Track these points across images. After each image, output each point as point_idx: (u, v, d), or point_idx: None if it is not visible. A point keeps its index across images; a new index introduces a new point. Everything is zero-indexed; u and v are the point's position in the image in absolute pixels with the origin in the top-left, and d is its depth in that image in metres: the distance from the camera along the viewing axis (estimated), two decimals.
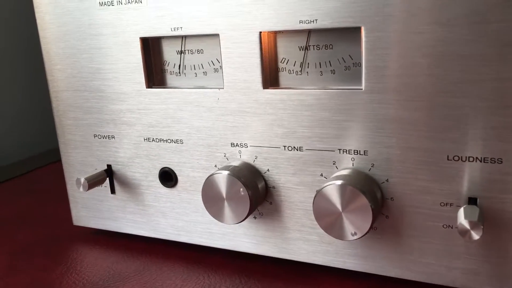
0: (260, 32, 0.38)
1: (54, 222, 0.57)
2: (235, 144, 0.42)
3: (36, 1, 0.47)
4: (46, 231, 0.54)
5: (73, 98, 0.48)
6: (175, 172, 0.45)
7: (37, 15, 0.47)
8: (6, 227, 0.57)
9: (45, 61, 0.48)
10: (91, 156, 0.49)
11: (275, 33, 0.39)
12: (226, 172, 0.39)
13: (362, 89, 0.36)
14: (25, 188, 0.70)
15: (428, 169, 0.35)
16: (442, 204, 0.36)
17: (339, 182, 0.36)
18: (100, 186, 0.49)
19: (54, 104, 0.49)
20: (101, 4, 0.44)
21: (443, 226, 0.36)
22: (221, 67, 0.42)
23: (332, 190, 0.36)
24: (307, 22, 0.36)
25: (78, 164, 0.50)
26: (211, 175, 0.40)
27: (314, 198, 0.36)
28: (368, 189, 0.36)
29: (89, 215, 0.52)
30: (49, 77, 0.49)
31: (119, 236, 0.52)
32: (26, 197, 0.66)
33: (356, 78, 0.37)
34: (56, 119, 0.50)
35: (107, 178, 0.49)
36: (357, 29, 0.36)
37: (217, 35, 0.40)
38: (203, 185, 0.40)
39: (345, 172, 0.38)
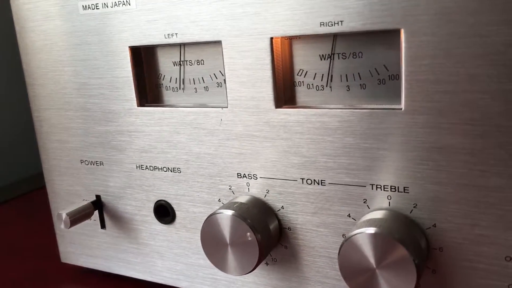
0: (271, 38, 0.31)
1: (43, 256, 0.50)
2: (242, 175, 0.34)
3: (15, 6, 0.40)
4: (33, 266, 0.48)
5: (56, 117, 0.41)
6: (172, 206, 0.38)
7: (15, 21, 0.41)
8: None
9: (25, 76, 0.42)
10: (78, 185, 0.42)
11: (290, 38, 0.32)
12: (229, 212, 0.32)
13: (401, 108, 0.28)
14: (15, 214, 0.64)
15: (490, 212, 0.27)
16: (508, 259, 0.27)
17: (372, 230, 0.28)
18: (88, 220, 0.42)
19: (37, 124, 0.43)
20: (84, 7, 0.37)
21: (508, 286, 0.28)
22: (224, 81, 0.34)
23: (363, 239, 0.28)
24: (330, 24, 0.29)
25: (64, 193, 0.43)
26: (211, 216, 0.32)
27: (340, 249, 0.28)
28: (410, 238, 0.28)
29: (78, 252, 0.45)
30: (30, 94, 0.42)
31: (111, 277, 0.44)
32: (14, 224, 0.60)
33: (393, 94, 0.29)
34: (39, 142, 0.43)
35: (96, 211, 0.42)
36: (396, 32, 0.28)
37: (219, 42, 0.33)
38: (202, 228, 0.33)
39: (379, 214, 0.29)
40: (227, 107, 0.33)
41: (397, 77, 0.29)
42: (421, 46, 0.26)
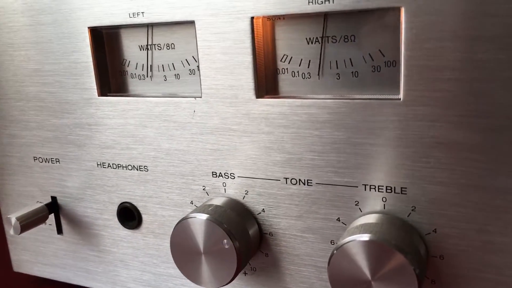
0: (252, 18, 0.27)
1: None
2: (217, 174, 0.30)
3: None
4: None
5: (6, 109, 0.36)
6: (138, 209, 0.34)
7: None
8: None
9: None
10: (32, 185, 0.38)
11: (273, 19, 0.28)
12: (203, 216, 0.28)
13: (400, 99, 0.25)
14: None
15: (499, 216, 0.24)
16: None
17: (366, 236, 0.24)
18: (43, 224, 0.38)
19: None
20: None
21: None
22: (198, 67, 0.30)
23: (356, 248, 0.24)
24: (320, 1, 0.25)
25: (15, 195, 0.39)
26: (182, 220, 0.28)
27: (330, 259, 0.25)
28: (409, 245, 0.24)
29: (32, 260, 0.40)
30: None
31: None
32: None
33: (389, 83, 0.26)
34: None
35: (51, 215, 0.37)
36: (394, 11, 0.25)
37: (192, 23, 0.29)
38: (172, 234, 0.29)
39: (372, 218, 0.26)
40: (201, 97, 0.30)
41: (394, 63, 0.26)
42: (424, 27, 0.23)
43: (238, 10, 0.27)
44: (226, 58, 0.28)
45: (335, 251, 0.25)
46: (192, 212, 0.29)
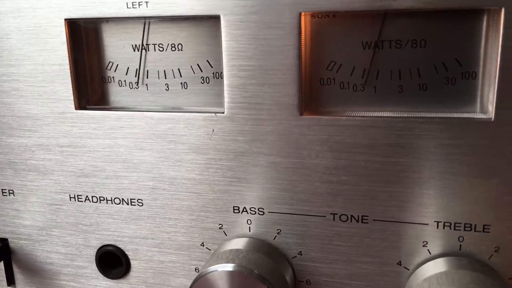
0: (300, 14, 0.21)
1: None
2: (240, 209, 0.24)
3: None
4: None
5: None
6: (127, 253, 0.27)
7: None
8: None
9: None
10: None
11: (320, 16, 0.22)
12: (234, 268, 0.21)
13: (491, 118, 0.20)
14: None
15: None
16: None
17: None
18: None
19: None
20: None
21: None
22: (217, 75, 0.24)
23: None
24: None
25: None
26: (203, 275, 0.22)
27: None
28: None
29: None
30: None
31: None
32: None
33: (466, 99, 0.22)
34: None
35: (1, 262, 0.28)
36: (488, 13, 0.20)
37: (216, 18, 0.22)
38: None
39: (443, 264, 0.22)
40: (223, 113, 0.23)
41: (474, 75, 0.21)
42: None
43: (282, 3, 0.21)
44: (261, 64, 0.22)
45: None
46: (216, 261, 0.22)
